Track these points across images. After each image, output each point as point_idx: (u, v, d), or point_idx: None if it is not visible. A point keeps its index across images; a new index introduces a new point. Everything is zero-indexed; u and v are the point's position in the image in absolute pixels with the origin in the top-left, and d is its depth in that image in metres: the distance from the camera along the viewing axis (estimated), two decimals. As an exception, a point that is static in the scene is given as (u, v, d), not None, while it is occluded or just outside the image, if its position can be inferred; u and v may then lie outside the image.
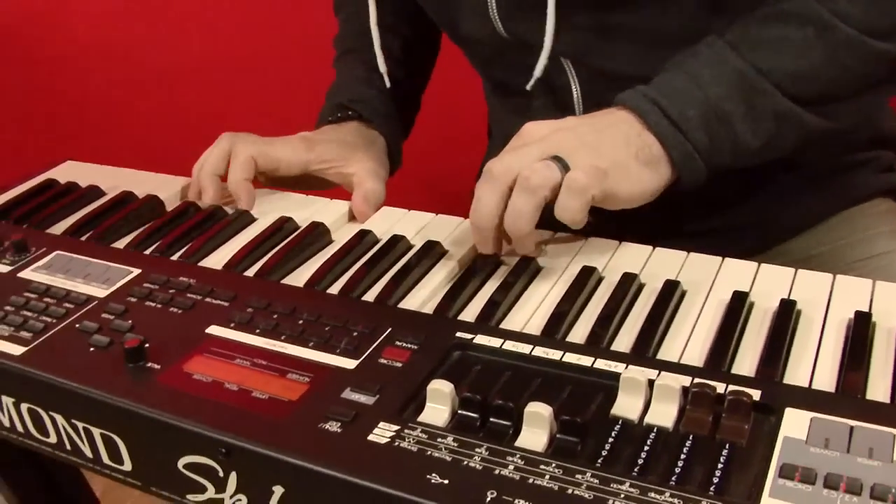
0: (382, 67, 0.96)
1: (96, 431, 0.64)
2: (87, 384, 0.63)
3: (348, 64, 1.06)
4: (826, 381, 0.58)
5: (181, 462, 0.60)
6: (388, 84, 0.98)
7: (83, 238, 0.84)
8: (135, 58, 1.88)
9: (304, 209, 0.86)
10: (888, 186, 0.97)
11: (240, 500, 0.59)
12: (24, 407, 0.68)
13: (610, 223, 0.75)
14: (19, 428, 0.69)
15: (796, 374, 0.59)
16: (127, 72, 1.91)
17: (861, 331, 0.61)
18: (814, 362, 0.60)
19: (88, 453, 0.66)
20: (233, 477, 0.58)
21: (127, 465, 0.64)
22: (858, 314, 0.63)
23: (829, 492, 0.48)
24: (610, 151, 0.71)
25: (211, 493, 0.60)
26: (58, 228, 0.87)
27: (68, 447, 0.67)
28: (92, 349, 0.66)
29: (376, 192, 0.89)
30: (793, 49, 0.72)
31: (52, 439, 0.67)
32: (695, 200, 0.79)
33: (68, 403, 0.64)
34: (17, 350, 0.67)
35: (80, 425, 0.65)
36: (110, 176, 0.97)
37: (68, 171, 1.00)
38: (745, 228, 0.92)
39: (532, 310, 0.68)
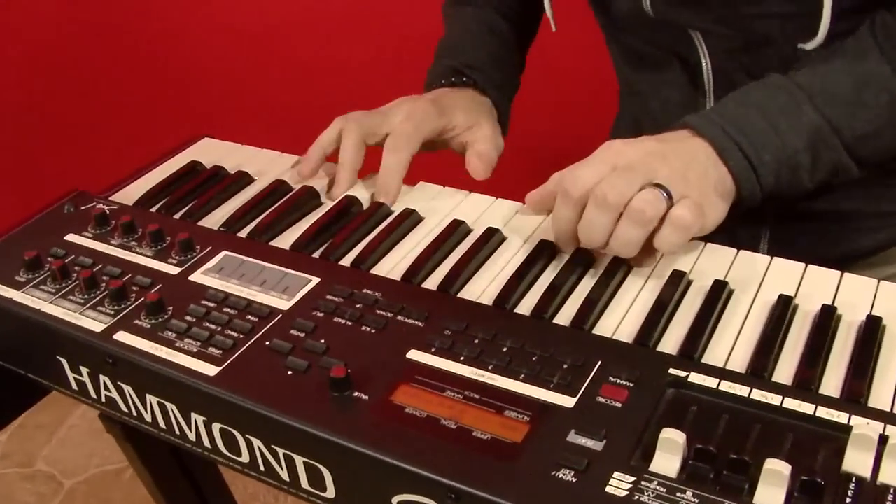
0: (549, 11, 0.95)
1: (299, 459, 0.63)
2: (292, 413, 0.62)
3: (463, 17, 1.07)
4: None
5: (396, 499, 0.59)
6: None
7: (241, 233, 0.83)
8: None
9: (472, 209, 0.85)
10: None
11: (461, 540, 0.58)
12: (216, 427, 0.67)
13: None
14: (207, 444, 0.69)
15: None
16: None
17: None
18: None
19: (285, 477, 0.65)
20: (457, 519, 0.58)
21: (330, 493, 0.63)
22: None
23: None
24: (697, 183, 0.73)
25: (428, 529, 0.59)
26: (211, 220, 0.85)
27: (262, 468, 0.66)
28: (290, 372, 0.65)
29: (487, 154, 0.91)
30: (867, 113, 0.75)
31: (245, 458, 0.67)
32: None
33: (269, 430, 0.63)
34: (210, 370, 0.66)
35: (281, 451, 0.64)
36: (252, 158, 0.96)
37: (207, 151, 0.98)
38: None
39: (732, 341, 0.66)
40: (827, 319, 0.67)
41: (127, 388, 0.71)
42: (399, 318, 0.69)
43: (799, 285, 0.72)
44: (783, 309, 0.68)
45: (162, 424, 0.71)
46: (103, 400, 0.74)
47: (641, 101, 0.99)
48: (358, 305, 0.71)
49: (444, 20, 1.10)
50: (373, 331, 0.68)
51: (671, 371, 0.62)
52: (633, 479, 0.55)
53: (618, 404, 0.60)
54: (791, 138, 0.75)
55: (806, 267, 0.74)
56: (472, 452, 0.58)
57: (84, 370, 0.73)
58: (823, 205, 0.90)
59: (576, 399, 0.61)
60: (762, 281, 0.73)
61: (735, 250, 0.76)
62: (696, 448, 0.56)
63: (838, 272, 0.73)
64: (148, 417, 0.72)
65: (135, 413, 0.72)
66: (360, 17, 1.81)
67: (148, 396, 0.70)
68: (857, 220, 0.91)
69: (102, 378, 0.72)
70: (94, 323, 0.72)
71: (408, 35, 1.66)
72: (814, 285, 0.72)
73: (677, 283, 0.72)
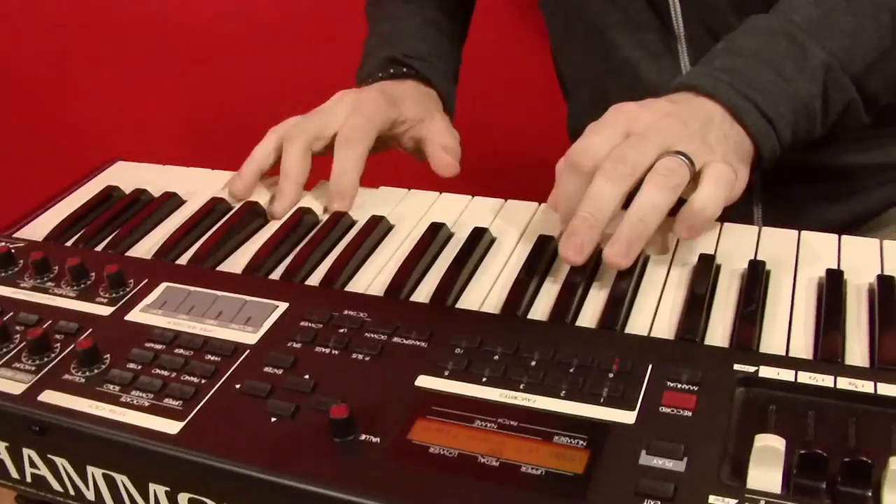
0: None
1: (301, 526, 0.50)
2: (285, 469, 0.49)
3: (394, 11, 0.97)
4: None
5: (433, 563, 0.47)
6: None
7: (179, 261, 0.69)
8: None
9: (448, 210, 0.74)
10: None
11: None
12: (183, 498, 0.53)
13: None
14: (171, 521, 0.55)
15: None
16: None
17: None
18: None
19: (282, 550, 0.52)
20: (519, 578, 0.46)
21: (342, 564, 0.50)
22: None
23: None
24: (718, 147, 0.64)
25: None
26: (141, 249, 0.72)
27: (249, 543, 0.53)
28: (273, 419, 0.52)
29: (453, 147, 0.83)
30: (871, 38, 0.68)
31: (224, 534, 0.53)
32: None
33: (257, 494, 0.50)
34: (170, 426, 0.53)
35: (275, 519, 0.51)
36: (178, 177, 0.82)
37: (123, 175, 0.84)
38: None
39: (785, 326, 0.57)
40: (887, 290, 0.58)
41: (60, 462, 0.57)
42: (395, 339, 0.57)
43: (839, 257, 0.63)
44: (835, 285, 0.59)
45: (109, 502, 0.57)
46: (28, 480, 0.59)
47: (605, 52, 0.87)
48: (342, 330, 0.58)
49: (368, 20, 0.99)
50: (367, 358, 0.56)
51: (736, 367, 0.52)
52: (734, 501, 0.44)
53: (687, 413, 0.50)
54: (802, 84, 0.67)
55: (840, 238, 0.65)
56: (527, 493, 0.46)
57: (1, 445, 0.59)
58: (819, 160, 0.82)
59: (636, 413, 0.50)
60: (797, 257, 0.64)
61: (757, 228, 0.67)
62: (799, 454, 0.45)
63: (876, 240, 0.65)
64: (90, 495, 0.57)
65: (72, 491, 0.58)
66: (265, 25, 1.66)
67: (89, 469, 0.56)
68: (855, 178, 0.85)
69: (26, 452, 0.58)
70: (10, 384, 0.58)
71: (323, 43, 1.54)
72: (854, 256, 0.63)
73: (709, 269, 0.62)
